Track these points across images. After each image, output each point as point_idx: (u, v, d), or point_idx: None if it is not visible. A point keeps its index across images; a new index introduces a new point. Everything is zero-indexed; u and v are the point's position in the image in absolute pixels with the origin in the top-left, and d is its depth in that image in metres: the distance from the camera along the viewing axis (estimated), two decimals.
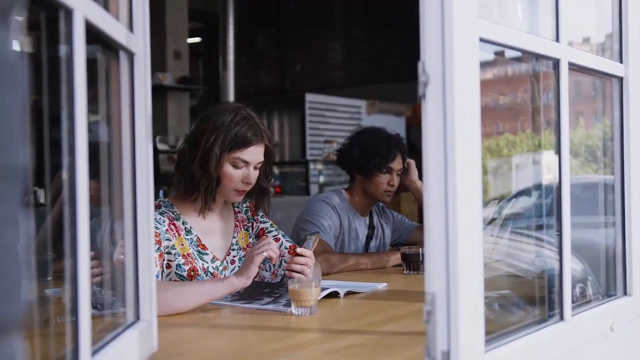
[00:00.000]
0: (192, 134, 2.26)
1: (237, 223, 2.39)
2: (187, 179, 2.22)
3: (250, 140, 2.20)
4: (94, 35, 1.11)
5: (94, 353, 1.09)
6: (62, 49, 1.01)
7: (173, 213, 2.23)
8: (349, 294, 2.19)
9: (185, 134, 2.35)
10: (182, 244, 2.20)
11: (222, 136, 2.17)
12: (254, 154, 2.22)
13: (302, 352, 1.55)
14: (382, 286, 2.36)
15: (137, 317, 1.38)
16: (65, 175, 1.00)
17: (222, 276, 2.24)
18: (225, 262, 2.29)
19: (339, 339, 1.64)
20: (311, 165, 7.37)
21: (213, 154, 2.16)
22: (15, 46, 0.57)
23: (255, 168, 2.24)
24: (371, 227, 3.16)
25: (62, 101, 1.00)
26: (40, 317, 1.25)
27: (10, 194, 0.53)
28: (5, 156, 0.53)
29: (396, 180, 3.03)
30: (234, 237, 2.36)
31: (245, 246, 2.37)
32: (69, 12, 1.00)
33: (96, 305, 1.32)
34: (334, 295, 2.12)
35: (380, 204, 3.20)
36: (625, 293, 1.83)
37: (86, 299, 1.02)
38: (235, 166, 2.20)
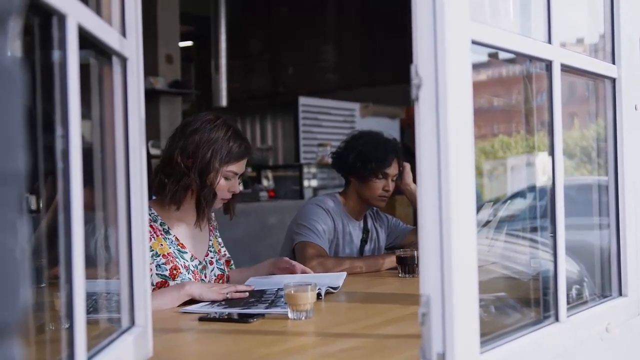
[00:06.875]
0: (182, 144, 2.28)
1: (211, 228, 2.50)
2: (182, 190, 2.27)
3: (244, 155, 2.32)
4: (86, 40, 1.10)
5: (90, 358, 1.09)
6: (55, 54, 1.01)
7: (150, 215, 2.26)
8: (328, 293, 2.21)
9: (171, 140, 2.34)
10: (162, 244, 2.26)
11: (219, 151, 2.26)
12: (244, 165, 2.36)
13: (299, 356, 1.55)
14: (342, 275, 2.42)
15: (132, 323, 1.37)
16: (59, 181, 1.00)
17: (202, 275, 2.36)
18: (204, 262, 2.39)
19: (335, 343, 1.64)
20: (305, 169, 7.35)
21: (213, 168, 2.26)
22: (13, 52, 0.57)
23: (239, 177, 2.37)
24: (366, 231, 3.15)
25: (55, 106, 1.00)
26: (34, 323, 1.24)
27: (9, 199, 0.54)
28: (4, 162, 0.53)
29: (391, 186, 3.02)
30: (210, 240, 2.46)
31: (217, 250, 2.48)
32: (62, 18, 1.00)
33: (89, 310, 1.32)
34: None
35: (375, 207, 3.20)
36: (620, 294, 1.83)
37: (81, 305, 1.02)
38: (226, 178, 2.31)
